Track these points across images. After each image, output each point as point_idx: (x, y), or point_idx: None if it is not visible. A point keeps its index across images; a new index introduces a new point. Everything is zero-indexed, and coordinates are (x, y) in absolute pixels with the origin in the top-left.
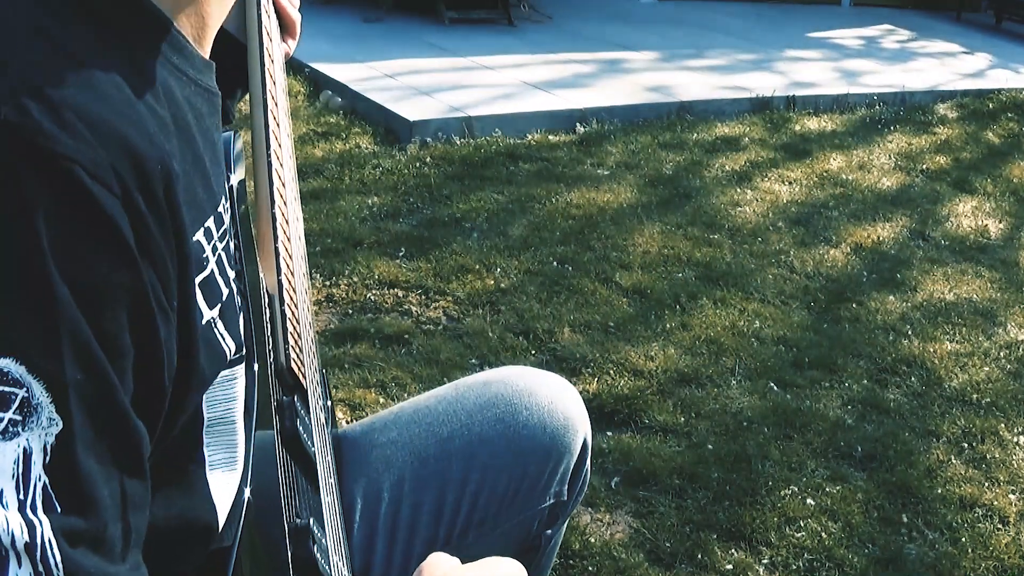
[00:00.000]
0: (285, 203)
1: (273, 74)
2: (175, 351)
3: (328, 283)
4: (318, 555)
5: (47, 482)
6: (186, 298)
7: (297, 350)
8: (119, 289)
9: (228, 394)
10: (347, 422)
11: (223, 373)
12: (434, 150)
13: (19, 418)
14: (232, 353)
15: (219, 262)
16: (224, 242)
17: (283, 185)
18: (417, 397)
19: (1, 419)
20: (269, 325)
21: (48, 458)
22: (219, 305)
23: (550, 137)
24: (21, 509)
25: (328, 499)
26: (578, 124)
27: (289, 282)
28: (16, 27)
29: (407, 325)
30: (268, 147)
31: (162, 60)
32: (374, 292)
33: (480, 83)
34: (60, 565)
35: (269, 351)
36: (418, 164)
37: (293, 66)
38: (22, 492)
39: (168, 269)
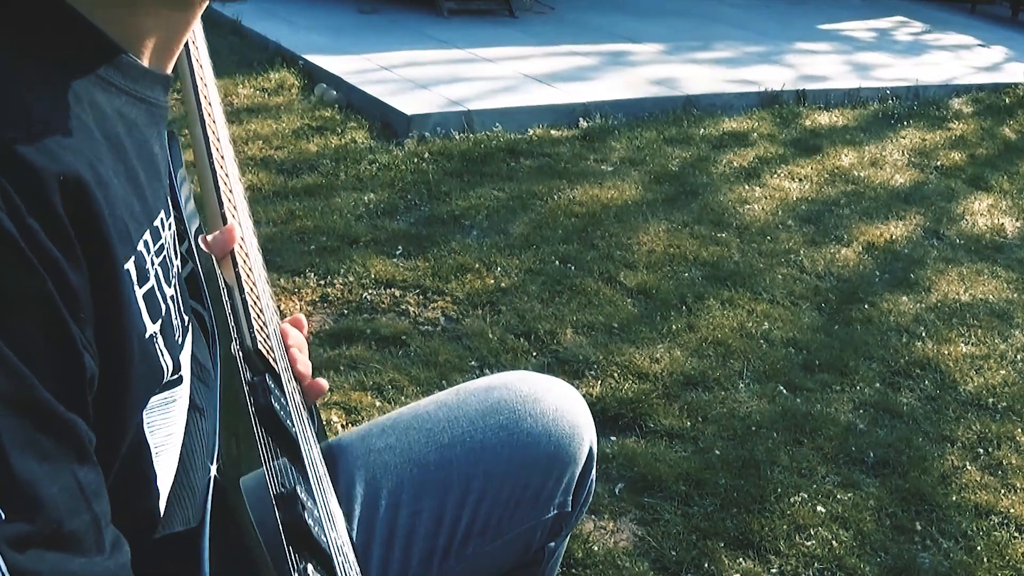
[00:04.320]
0: (232, 202)
1: (206, 95)
2: (96, 360)
3: (323, 283)
4: (310, 521)
5: None
6: (117, 310)
7: (264, 335)
8: (21, 295)
9: (168, 418)
10: (343, 426)
11: (163, 395)
12: (432, 145)
13: None
14: (170, 372)
15: (157, 277)
16: (161, 257)
17: (227, 179)
18: (417, 402)
19: None
20: (232, 317)
21: None
22: (160, 320)
23: (552, 132)
24: None
25: (324, 485)
26: (581, 118)
27: (247, 273)
28: None
29: (404, 326)
30: (210, 155)
31: (85, 70)
32: (370, 292)
33: (480, 76)
34: (5, 572)
35: (235, 337)
36: (416, 160)
37: (287, 59)
38: None
39: (71, 283)
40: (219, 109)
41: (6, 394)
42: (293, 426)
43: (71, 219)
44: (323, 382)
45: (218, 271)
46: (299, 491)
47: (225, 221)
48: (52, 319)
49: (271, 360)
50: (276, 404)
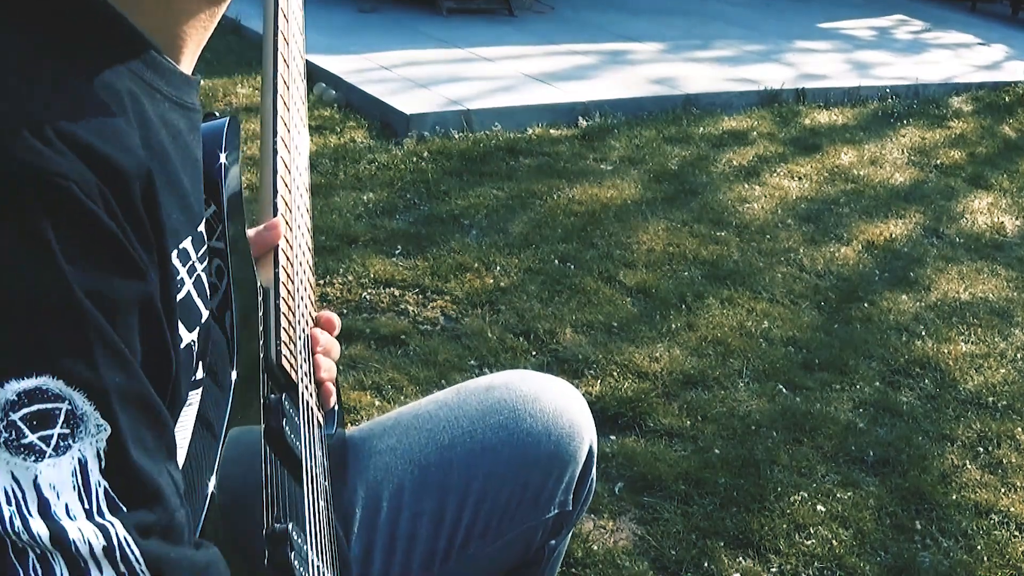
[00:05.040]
0: (289, 191)
1: (287, 58)
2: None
3: (322, 282)
4: (295, 562)
5: (107, 486)
6: (170, 314)
7: (290, 346)
8: (129, 295)
9: (182, 422)
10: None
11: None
12: (431, 144)
13: (67, 431)
14: (198, 375)
15: (198, 283)
16: (204, 263)
17: (287, 172)
18: (418, 402)
19: (51, 435)
20: (262, 320)
21: (104, 463)
22: (197, 328)
23: (551, 131)
24: (89, 517)
25: (320, 503)
26: (580, 117)
27: (287, 274)
28: None
29: (404, 325)
30: (275, 134)
31: (132, 76)
32: (369, 291)
33: (479, 75)
34: (140, 559)
35: (261, 346)
36: (415, 159)
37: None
38: (86, 501)
39: (155, 281)
40: (299, 98)
41: (123, 389)
42: (300, 443)
43: (150, 222)
44: (331, 387)
45: (256, 269)
46: (291, 529)
47: (276, 212)
48: (153, 318)
49: (292, 374)
50: (287, 427)
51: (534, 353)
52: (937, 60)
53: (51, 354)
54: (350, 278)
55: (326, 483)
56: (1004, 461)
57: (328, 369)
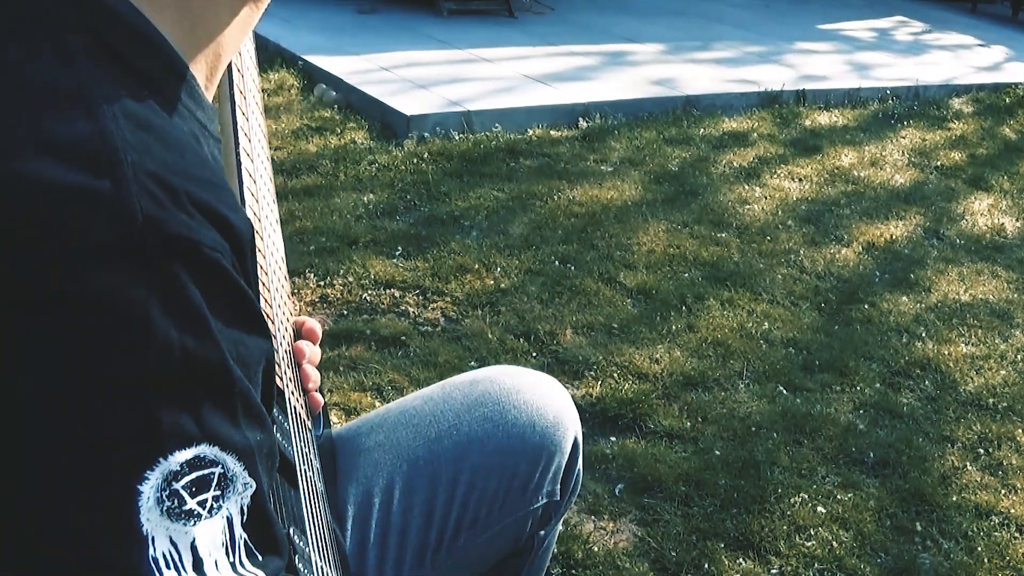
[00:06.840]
0: (256, 200)
1: (240, 67)
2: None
3: (322, 283)
4: (299, 565)
5: (246, 538)
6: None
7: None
8: (260, 353)
9: None
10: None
11: None
12: (432, 145)
13: (219, 492)
14: None
15: None
16: None
17: (252, 181)
18: (404, 398)
19: (206, 499)
20: None
21: (245, 517)
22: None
23: (552, 132)
24: (234, 569)
25: (318, 506)
26: (581, 119)
27: (262, 282)
28: (86, 97)
29: (404, 326)
30: (237, 144)
31: (190, 116)
32: (370, 292)
33: (479, 76)
34: None
35: None
36: (415, 160)
37: (286, 59)
38: (231, 554)
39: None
40: (254, 104)
41: (261, 444)
42: (292, 447)
43: (255, 278)
44: (319, 397)
45: None
46: (292, 534)
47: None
48: (270, 369)
49: (278, 381)
50: (277, 433)
51: (534, 354)
52: (937, 61)
53: (209, 423)
54: (351, 279)
55: (320, 484)
56: (1004, 463)
57: (315, 380)
